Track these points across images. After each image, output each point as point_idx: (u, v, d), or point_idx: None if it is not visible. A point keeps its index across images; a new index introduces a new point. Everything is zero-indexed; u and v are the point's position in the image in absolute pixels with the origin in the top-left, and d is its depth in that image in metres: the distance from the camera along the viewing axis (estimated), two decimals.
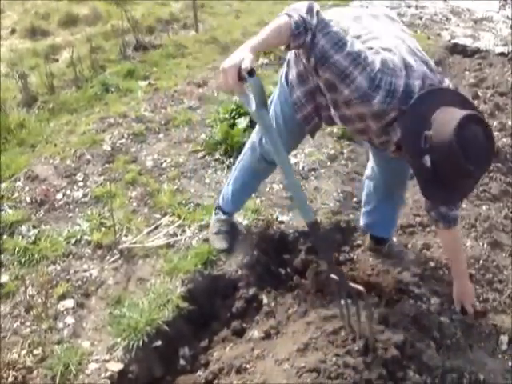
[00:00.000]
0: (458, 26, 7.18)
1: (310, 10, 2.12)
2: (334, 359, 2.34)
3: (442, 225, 2.56)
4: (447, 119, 1.99)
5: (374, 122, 2.22)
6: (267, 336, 2.65)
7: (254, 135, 2.89)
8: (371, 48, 2.19)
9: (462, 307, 2.78)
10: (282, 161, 2.24)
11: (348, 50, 2.11)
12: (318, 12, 2.13)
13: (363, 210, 3.15)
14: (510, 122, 4.60)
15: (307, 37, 2.10)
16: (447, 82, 2.28)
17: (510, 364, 2.66)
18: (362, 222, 3.19)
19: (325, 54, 2.11)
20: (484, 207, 3.51)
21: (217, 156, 3.89)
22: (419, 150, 2.05)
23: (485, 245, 3.19)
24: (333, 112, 2.40)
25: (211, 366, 2.58)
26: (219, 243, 3.12)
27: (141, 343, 2.57)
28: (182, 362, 2.71)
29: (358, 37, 2.25)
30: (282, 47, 2.21)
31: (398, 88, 2.12)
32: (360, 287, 2.35)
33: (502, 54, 6.25)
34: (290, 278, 2.98)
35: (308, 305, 2.74)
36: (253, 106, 2.12)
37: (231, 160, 3.76)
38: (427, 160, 2.04)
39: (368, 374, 2.31)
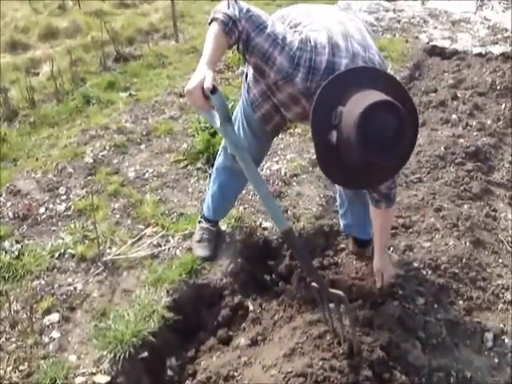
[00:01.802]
0: (435, 28, 7.23)
1: (229, 4, 2.20)
2: (321, 363, 2.35)
3: (385, 204, 2.54)
4: (361, 101, 1.92)
5: (307, 103, 2.22)
6: (254, 343, 2.65)
7: None
8: (297, 30, 2.24)
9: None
10: (252, 173, 2.26)
11: (268, 32, 2.16)
12: (236, 1, 2.21)
13: (339, 212, 3.18)
14: (489, 122, 4.65)
15: (238, 28, 2.17)
16: (387, 69, 2.30)
17: (496, 361, 2.68)
18: (340, 224, 3.21)
19: (248, 38, 2.17)
20: (465, 206, 3.54)
21: (199, 165, 3.89)
22: (328, 124, 1.99)
23: (467, 243, 3.21)
24: (274, 100, 2.43)
25: (199, 375, 2.58)
26: (201, 251, 3.13)
27: (127, 355, 2.56)
28: (169, 372, 2.70)
29: (298, 23, 2.30)
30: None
31: (319, 65, 2.15)
32: (340, 292, 2.36)
33: (479, 54, 6.31)
34: (275, 284, 2.98)
35: (293, 310, 2.75)
36: (217, 122, 2.17)
37: None
38: (334, 136, 1.98)
39: (354, 377, 2.32)
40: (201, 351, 2.75)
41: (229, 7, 2.19)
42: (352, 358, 2.37)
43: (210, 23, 2.24)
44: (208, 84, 2.06)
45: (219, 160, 3.02)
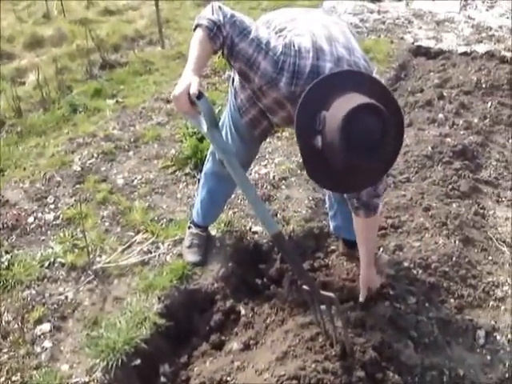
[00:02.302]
0: (420, 28, 7.27)
1: (214, 10, 2.21)
2: (314, 365, 2.35)
3: (364, 212, 2.53)
4: (343, 105, 1.92)
5: (292, 108, 2.22)
6: (246, 347, 2.65)
7: None
8: (281, 35, 2.25)
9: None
10: (240, 178, 2.27)
11: (251, 37, 2.17)
12: (220, 7, 2.22)
13: (329, 214, 3.18)
14: (475, 120, 4.68)
15: (222, 33, 2.18)
16: (373, 72, 2.31)
17: (488, 358, 2.69)
18: (330, 226, 3.22)
19: (233, 43, 2.18)
20: (454, 205, 3.55)
21: (187, 170, 3.89)
22: (313, 129, 2.00)
23: (457, 242, 3.22)
24: (260, 105, 2.44)
25: (192, 381, 2.58)
26: (191, 256, 3.13)
27: (120, 363, 2.55)
28: (162, 379, 2.69)
29: (283, 28, 2.31)
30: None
31: (303, 69, 2.15)
32: (331, 294, 2.37)
33: (464, 53, 6.34)
34: (267, 287, 2.98)
35: (285, 313, 2.75)
36: (204, 128, 2.18)
37: None
38: (318, 141, 1.99)
39: (347, 378, 2.32)
40: (194, 357, 2.74)
41: (213, 13, 2.20)
42: (345, 360, 2.38)
43: (194, 29, 2.25)
44: (194, 90, 2.07)
45: (207, 166, 3.02)
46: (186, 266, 3.06)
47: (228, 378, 2.49)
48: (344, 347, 2.39)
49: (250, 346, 2.65)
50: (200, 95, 2.08)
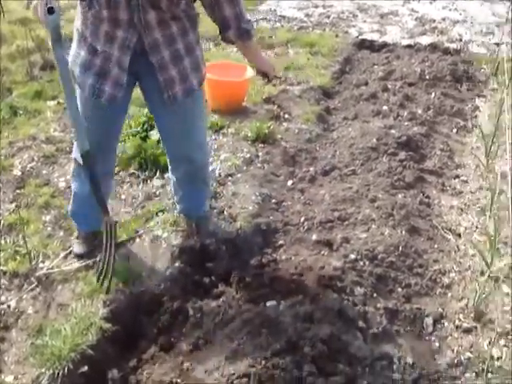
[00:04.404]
0: (364, 22, 7.33)
1: None
2: (263, 362, 2.33)
3: (247, 36, 2.70)
4: None
5: None
6: (196, 348, 2.60)
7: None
8: None
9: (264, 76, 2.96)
10: (67, 91, 2.45)
11: None
12: None
13: (175, 199, 3.29)
14: (419, 111, 4.73)
15: None
16: None
17: (437, 345, 2.71)
18: (177, 209, 3.33)
19: None
20: (400, 195, 3.58)
21: (131, 171, 3.81)
22: None
23: (403, 232, 3.25)
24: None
25: None
26: (77, 247, 3.14)
27: (66, 371, 2.47)
28: None
29: None
30: None
31: None
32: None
33: (408, 46, 6.44)
34: (215, 286, 2.94)
35: (234, 311, 2.71)
36: (49, 41, 2.36)
37: (146, 173, 3.71)
38: None
39: (298, 373, 2.31)
40: (143, 360, 2.67)
41: None
42: (295, 354, 2.37)
43: None
44: (50, 4, 2.22)
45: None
46: (132, 268, 3.00)
47: (178, 380, 2.44)
48: (290, 340, 2.38)
49: (200, 347, 2.60)
50: (52, 10, 2.24)
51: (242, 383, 2.28)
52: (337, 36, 6.69)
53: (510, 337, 2.75)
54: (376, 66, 5.85)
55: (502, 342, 2.74)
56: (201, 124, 2.93)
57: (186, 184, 3.14)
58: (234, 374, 2.32)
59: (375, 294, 2.84)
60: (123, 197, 3.62)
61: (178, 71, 2.61)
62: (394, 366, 2.54)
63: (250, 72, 4.66)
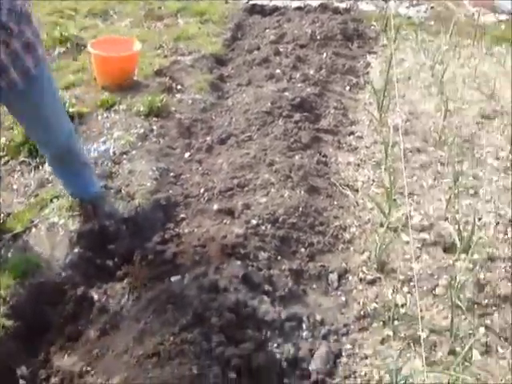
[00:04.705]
0: None
1: None
2: (172, 338, 2.30)
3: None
4: None
5: None
6: (103, 333, 2.53)
7: None
8: None
9: None
10: None
11: None
12: None
13: (63, 186, 3.21)
14: (311, 72, 4.76)
15: None
16: None
17: (343, 299, 2.77)
18: (69, 194, 3.22)
19: None
20: (297, 157, 3.60)
21: (21, 158, 3.63)
22: None
23: (302, 192, 3.27)
24: None
25: (52, 378, 2.42)
26: None
27: None
28: (21, 382, 2.51)
29: None
30: None
31: None
32: None
33: (298, 8, 6.43)
34: (118, 267, 2.87)
35: (139, 291, 2.66)
36: None
37: (37, 160, 3.54)
38: None
39: (207, 344, 2.30)
40: (51, 353, 2.58)
41: None
42: (203, 326, 2.35)
43: None
44: None
45: None
46: (29, 259, 2.87)
47: (88, 368, 2.38)
48: (197, 312, 2.37)
49: (107, 331, 2.54)
50: None
51: (152, 362, 2.24)
52: (227, 2, 6.60)
53: (412, 283, 2.84)
54: (268, 30, 5.82)
55: (405, 289, 2.82)
56: (50, 106, 2.74)
57: (60, 169, 3.05)
58: (143, 354, 2.27)
59: (279, 257, 2.86)
60: (15, 186, 3.43)
61: (7, 55, 2.40)
62: (304, 325, 2.58)
63: (138, 45, 4.53)
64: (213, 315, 2.39)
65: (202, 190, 3.34)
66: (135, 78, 4.58)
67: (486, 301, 2.80)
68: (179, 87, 4.52)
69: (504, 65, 5.36)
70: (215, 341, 2.31)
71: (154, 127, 3.95)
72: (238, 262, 2.71)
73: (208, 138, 3.86)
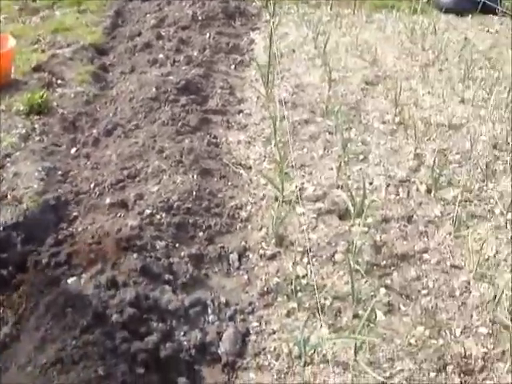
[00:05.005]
0: None
1: None
2: (74, 342, 2.24)
3: None
4: None
5: None
6: (4, 347, 2.42)
7: None
8: None
9: None
10: None
11: None
12: None
13: None
14: (195, 53, 4.71)
15: None
16: None
17: (246, 278, 2.77)
18: None
19: None
20: (187, 140, 3.56)
21: None
22: None
23: (195, 176, 3.25)
24: None
25: None
26: None
27: None
28: None
29: None
30: None
31: None
32: None
33: None
34: (13, 276, 2.74)
35: (35, 298, 2.55)
36: None
37: None
38: None
39: (111, 343, 2.25)
40: None
41: None
42: (105, 325, 2.30)
43: None
44: None
45: None
46: None
47: None
48: (97, 312, 2.31)
49: (8, 344, 2.43)
50: None
51: (56, 370, 2.17)
52: None
53: (311, 253, 2.89)
54: (148, 15, 5.70)
55: (305, 260, 2.86)
56: None
57: None
58: (46, 362, 2.19)
59: (177, 244, 2.83)
60: None
61: None
62: (209, 309, 2.57)
63: (12, 41, 4.33)
64: (114, 312, 2.34)
65: (92, 185, 3.24)
66: (12, 77, 4.37)
67: (384, 261, 2.90)
68: (60, 81, 4.36)
69: (384, 30, 5.54)
70: (119, 338, 2.27)
71: (36, 125, 3.78)
72: (135, 255, 2.66)
73: (94, 131, 3.75)
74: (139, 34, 5.21)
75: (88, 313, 2.34)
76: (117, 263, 2.62)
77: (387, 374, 2.34)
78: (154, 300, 2.47)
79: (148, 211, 2.94)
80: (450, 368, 2.40)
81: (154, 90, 4.02)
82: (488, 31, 5.88)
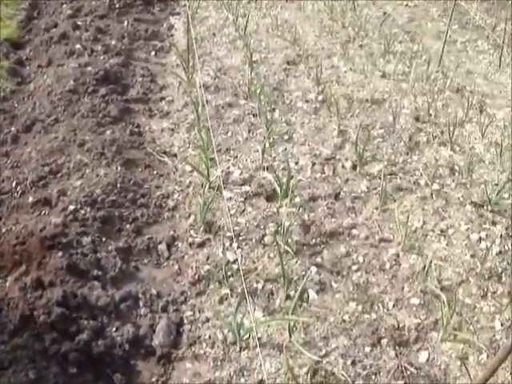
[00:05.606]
0: None
1: None
2: (3, 347, 2.19)
3: None
4: None
5: None
6: None
7: None
8: None
9: None
10: None
11: None
12: None
13: None
14: (113, 42, 4.61)
15: None
16: None
17: (176, 267, 2.75)
18: None
19: None
20: (108, 132, 3.49)
21: None
22: None
23: (118, 168, 3.19)
24: None
25: None
26: None
27: None
28: None
29: None
30: None
31: None
32: None
33: None
34: None
35: None
36: None
37: None
38: None
39: (40, 345, 2.21)
40: None
41: None
42: (32, 327, 2.25)
43: None
44: None
45: None
46: None
47: None
48: (24, 314, 2.26)
49: None
50: None
51: None
52: None
53: (240, 237, 2.89)
54: (64, 5, 5.50)
55: (235, 244, 2.86)
56: None
57: None
58: None
59: (104, 238, 2.78)
60: None
61: None
62: (140, 302, 2.54)
63: None
64: (41, 314, 2.29)
65: (13, 184, 3.13)
66: None
67: (314, 240, 2.93)
68: None
69: (304, 10, 5.55)
70: (48, 339, 2.23)
71: None
72: (60, 253, 2.59)
73: (12, 128, 3.62)
74: (55, 26, 5.03)
75: (15, 316, 2.29)
76: (42, 263, 2.56)
77: (323, 353, 2.38)
78: (83, 297, 2.43)
79: (72, 207, 2.88)
80: (384, 341, 2.46)
81: (72, 82, 3.91)
82: (407, 5, 5.98)
